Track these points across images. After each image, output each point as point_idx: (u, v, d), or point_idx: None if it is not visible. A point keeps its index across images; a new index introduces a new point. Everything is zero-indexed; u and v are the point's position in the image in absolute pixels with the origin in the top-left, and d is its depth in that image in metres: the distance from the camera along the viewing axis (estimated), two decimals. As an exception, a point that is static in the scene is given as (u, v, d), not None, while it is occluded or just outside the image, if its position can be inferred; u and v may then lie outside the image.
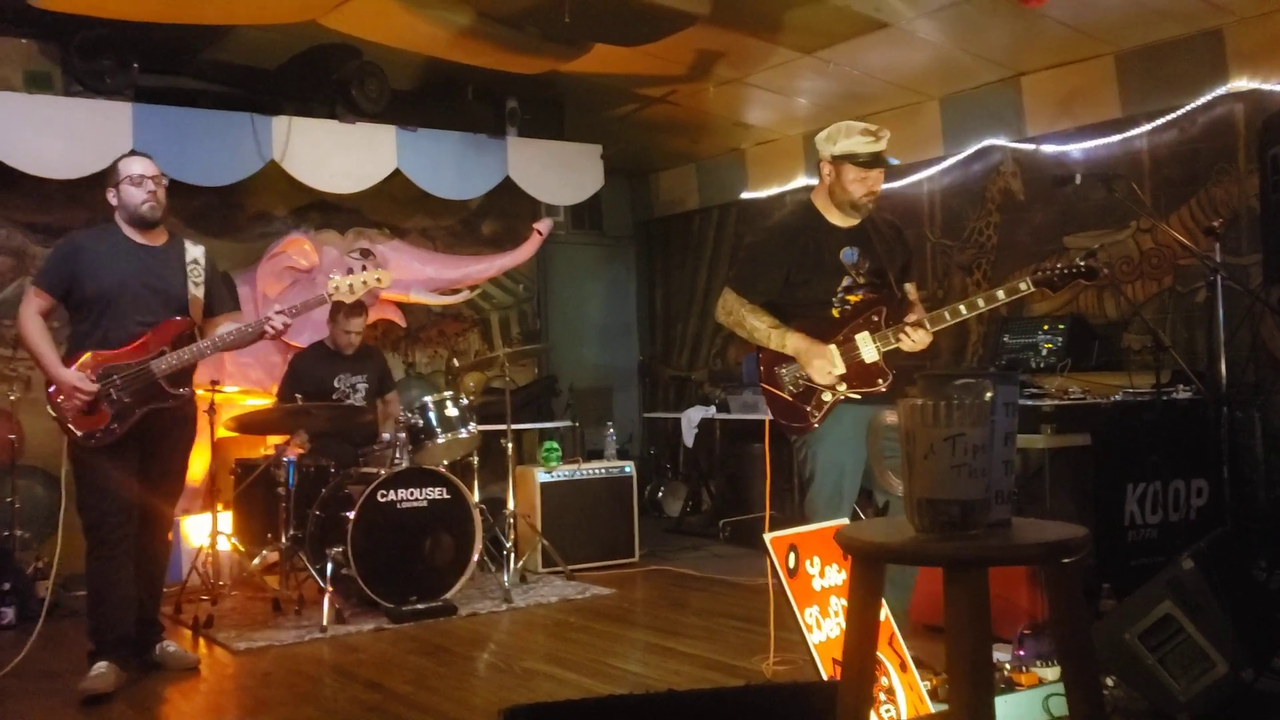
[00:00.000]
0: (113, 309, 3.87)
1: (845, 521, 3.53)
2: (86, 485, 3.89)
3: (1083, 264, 3.40)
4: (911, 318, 3.53)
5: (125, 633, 3.93)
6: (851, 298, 3.58)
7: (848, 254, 3.60)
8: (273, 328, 4.00)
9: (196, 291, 4.02)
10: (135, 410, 3.85)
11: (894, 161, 3.61)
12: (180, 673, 4.05)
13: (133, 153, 4.14)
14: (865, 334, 3.52)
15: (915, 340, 3.47)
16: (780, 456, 6.47)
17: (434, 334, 7.27)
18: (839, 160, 3.55)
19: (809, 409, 3.57)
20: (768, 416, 3.74)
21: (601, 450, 6.40)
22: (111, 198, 4.00)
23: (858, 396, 3.52)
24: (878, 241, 3.63)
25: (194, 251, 4.08)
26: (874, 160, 3.53)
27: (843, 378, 3.52)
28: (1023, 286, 3.42)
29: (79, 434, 3.81)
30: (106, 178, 4.04)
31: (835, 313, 3.58)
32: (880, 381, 3.52)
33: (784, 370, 3.59)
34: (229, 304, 4.24)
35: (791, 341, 3.55)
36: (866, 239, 3.63)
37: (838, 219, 3.63)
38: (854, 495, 3.64)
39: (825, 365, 3.50)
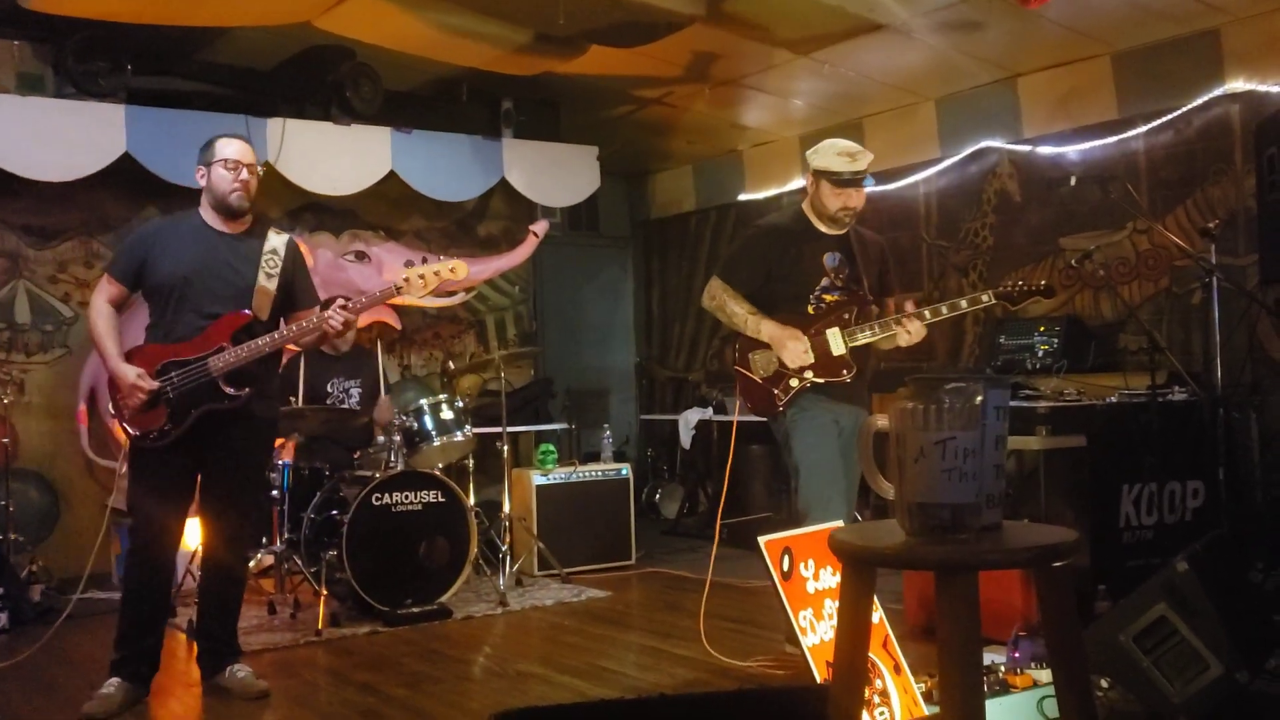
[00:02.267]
0: (180, 299, 3.64)
1: (840, 523, 3.55)
2: (139, 486, 3.69)
3: (1041, 284, 3.74)
4: (909, 310, 3.82)
5: (149, 646, 3.71)
6: (827, 297, 3.92)
7: (830, 259, 3.95)
8: (332, 326, 3.69)
9: (267, 284, 3.71)
10: (190, 411, 3.60)
11: (869, 183, 3.93)
12: (248, 701, 3.71)
13: (231, 134, 3.82)
14: (835, 329, 3.86)
15: (911, 331, 3.77)
16: (773, 457, 6.46)
17: (429, 336, 7.27)
18: (818, 175, 3.88)
19: (776, 392, 3.92)
20: (735, 418, 4.14)
21: (598, 452, 6.39)
22: (200, 178, 3.74)
23: (821, 381, 3.86)
24: (860, 252, 3.99)
25: (275, 241, 3.79)
26: (848, 180, 3.83)
27: (810, 366, 3.86)
28: (984, 298, 3.77)
29: (135, 433, 3.62)
30: (200, 155, 3.76)
31: (810, 309, 3.92)
32: (845, 373, 3.87)
33: (757, 355, 3.95)
34: (311, 298, 3.91)
35: (766, 328, 3.89)
36: (849, 248, 3.97)
37: (825, 227, 3.96)
38: (842, 489, 3.85)
39: (799, 346, 3.83)
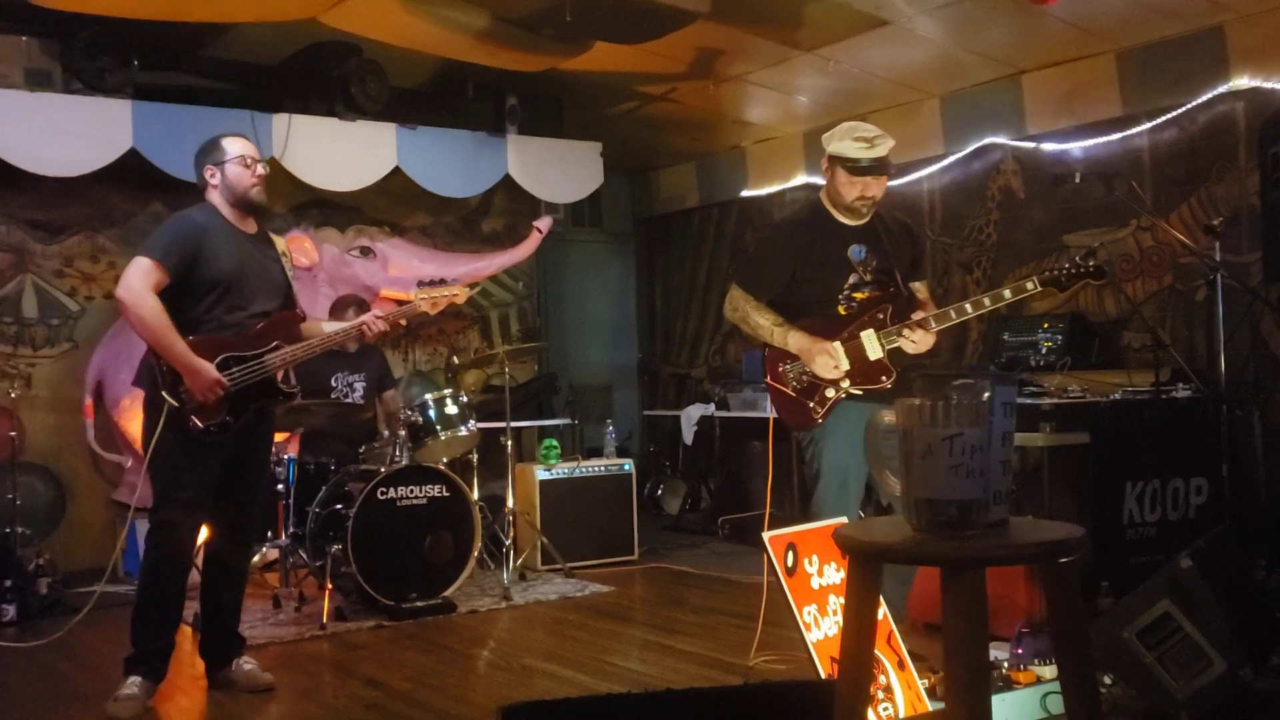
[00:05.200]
0: (230, 295, 3.66)
1: (845, 520, 3.54)
2: (174, 480, 3.63)
3: (1091, 265, 3.42)
4: (916, 316, 3.52)
5: (167, 642, 3.70)
6: (858, 295, 3.59)
7: (855, 251, 3.60)
8: (370, 330, 3.90)
9: (294, 284, 3.92)
10: (249, 405, 3.68)
11: (891, 170, 3.58)
12: (252, 693, 3.75)
13: (232, 133, 3.86)
14: (870, 331, 3.53)
15: (916, 341, 3.49)
16: (779, 454, 6.46)
17: (434, 331, 7.28)
18: (833, 161, 3.56)
19: (812, 405, 3.58)
20: (772, 415, 3.76)
21: (601, 448, 6.40)
22: (211, 177, 3.74)
23: (859, 393, 3.52)
24: (886, 239, 3.64)
25: (280, 243, 3.94)
26: (865, 167, 3.50)
27: (847, 374, 3.52)
28: (1029, 286, 3.43)
29: (201, 426, 3.57)
30: (203, 155, 3.77)
31: (842, 310, 3.59)
32: (884, 379, 3.52)
33: (788, 367, 3.61)
34: (294, 298, 4.02)
35: (794, 339, 3.56)
36: (875, 237, 3.63)
37: (845, 217, 3.63)
38: (860, 495, 3.64)
39: (829, 360, 3.50)
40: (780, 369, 3.64)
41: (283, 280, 3.86)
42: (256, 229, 3.85)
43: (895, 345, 3.51)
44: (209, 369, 3.56)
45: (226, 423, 3.63)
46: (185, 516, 3.67)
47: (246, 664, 3.85)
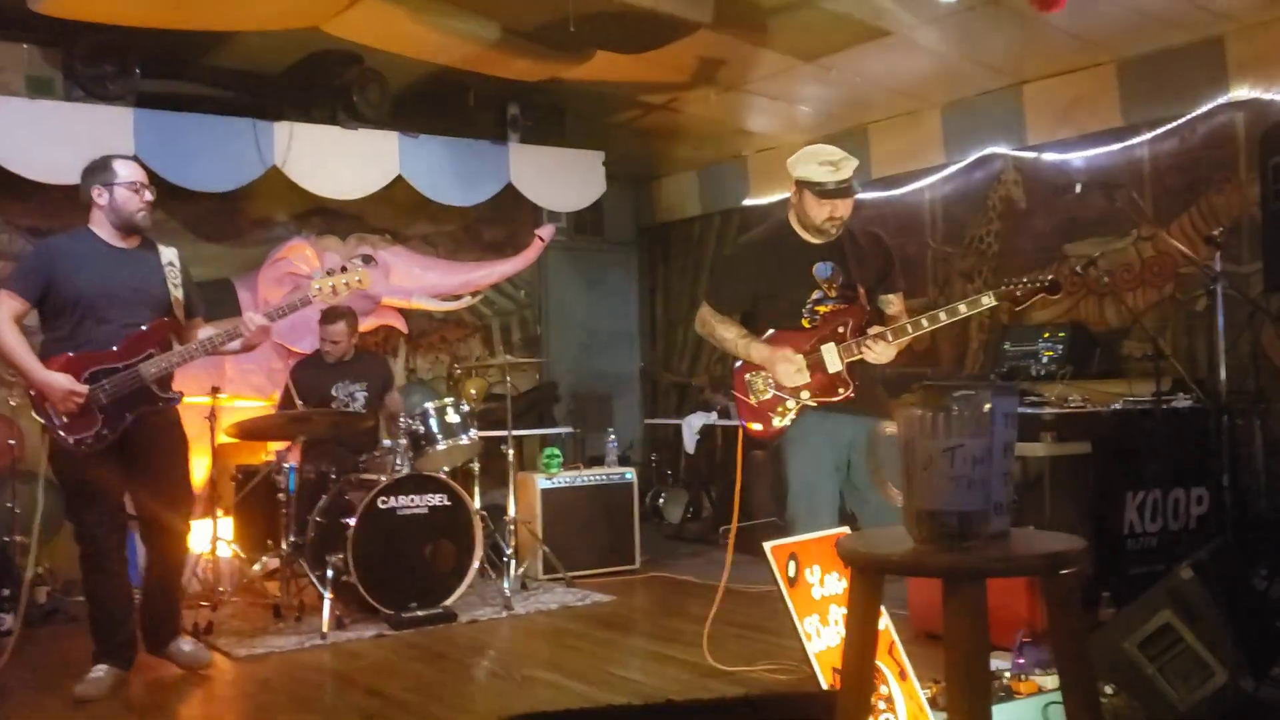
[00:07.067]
0: (94, 312, 3.80)
1: (845, 530, 3.55)
2: (73, 493, 3.88)
3: (1047, 280, 3.49)
4: (874, 330, 3.63)
5: (125, 638, 3.94)
6: (821, 309, 3.70)
7: (821, 268, 3.71)
8: (246, 328, 3.93)
9: (176, 293, 3.98)
10: (125, 415, 3.79)
11: (856, 191, 3.67)
12: (188, 673, 4.02)
13: (122, 155, 4.00)
14: (831, 345, 3.64)
15: (877, 352, 3.60)
16: (777, 463, 6.47)
17: (435, 340, 7.28)
18: (800, 185, 3.66)
19: (772, 415, 3.73)
20: (740, 424, 3.92)
21: (602, 456, 6.40)
22: (99, 197, 3.88)
23: (814, 404, 3.66)
24: (853, 255, 3.74)
25: (168, 254, 4.03)
26: (832, 190, 3.60)
27: (806, 386, 3.64)
28: (985, 300, 3.51)
29: (70, 440, 3.74)
30: (92, 175, 3.91)
31: (805, 323, 3.70)
32: (841, 390, 3.64)
33: (753, 377, 3.76)
34: (200, 306, 4.17)
35: (756, 350, 3.70)
36: (841, 253, 3.73)
37: (812, 236, 3.72)
38: (833, 503, 3.73)
39: (789, 367, 3.61)
40: (746, 378, 3.77)
41: (161, 291, 3.93)
42: (139, 242, 3.97)
43: (854, 358, 3.61)
44: (59, 381, 3.69)
45: (102, 434, 3.77)
46: (86, 526, 3.87)
47: (185, 645, 4.03)
